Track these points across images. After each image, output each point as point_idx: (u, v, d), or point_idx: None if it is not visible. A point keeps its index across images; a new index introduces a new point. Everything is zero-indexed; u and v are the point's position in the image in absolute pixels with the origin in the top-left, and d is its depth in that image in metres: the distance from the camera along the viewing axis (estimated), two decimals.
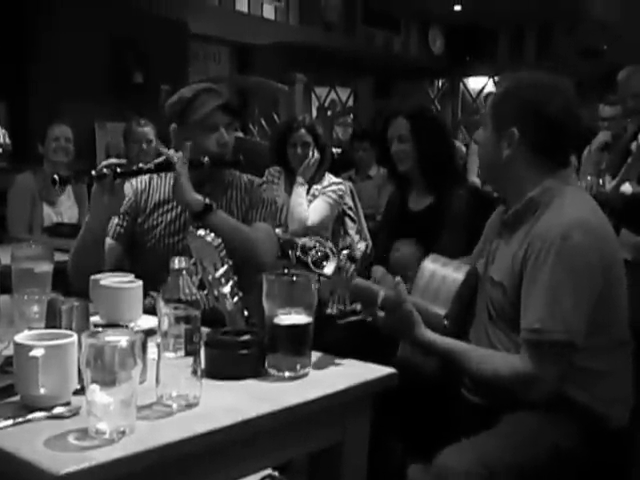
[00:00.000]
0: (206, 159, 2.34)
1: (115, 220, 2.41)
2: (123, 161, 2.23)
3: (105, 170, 2.14)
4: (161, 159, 2.36)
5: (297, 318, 1.58)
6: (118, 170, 2.15)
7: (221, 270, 1.69)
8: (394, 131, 2.98)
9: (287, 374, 1.57)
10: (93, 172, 2.15)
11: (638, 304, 1.87)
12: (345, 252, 1.75)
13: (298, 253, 1.72)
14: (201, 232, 1.71)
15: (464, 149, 6.67)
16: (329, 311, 1.74)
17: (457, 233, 2.74)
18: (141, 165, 2.28)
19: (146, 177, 2.50)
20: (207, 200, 2.27)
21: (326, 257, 1.72)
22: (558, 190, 1.81)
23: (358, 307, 1.77)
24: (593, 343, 1.72)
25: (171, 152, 2.34)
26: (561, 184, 1.83)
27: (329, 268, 1.71)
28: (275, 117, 6.72)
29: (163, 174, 2.49)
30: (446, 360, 1.83)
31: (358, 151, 5.65)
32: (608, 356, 1.77)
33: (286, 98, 6.21)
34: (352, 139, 6.04)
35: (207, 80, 7.22)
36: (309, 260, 1.71)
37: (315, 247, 1.71)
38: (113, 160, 2.21)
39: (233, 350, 1.57)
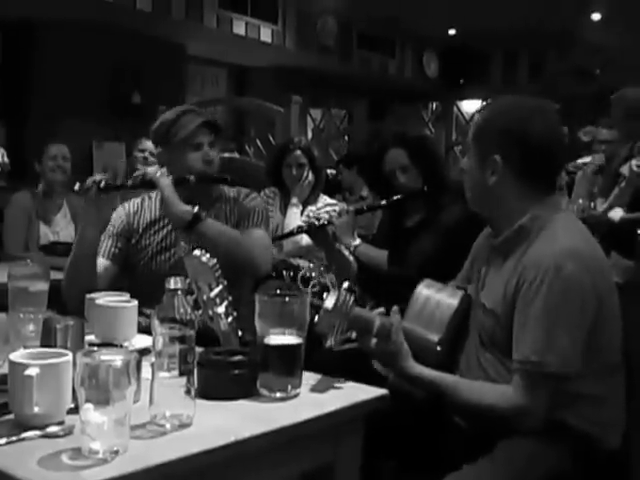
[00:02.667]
0: (191, 176, 2.38)
1: (109, 241, 2.46)
2: (106, 176, 2.30)
3: (89, 184, 2.25)
4: (142, 177, 2.41)
5: (288, 338, 1.58)
6: (102, 185, 2.25)
7: (216, 290, 1.69)
8: (394, 163, 2.93)
9: (278, 394, 1.57)
10: (77, 187, 2.27)
11: (628, 327, 1.87)
12: (345, 285, 1.74)
13: (298, 284, 1.72)
14: (197, 252, 1.72)
15: None
16: (329, 344, 1.73)
17: (436, 240, 2.75)
18: (124, 182, 2.32)
19: (138, 199, 2.55)
20: (196, 209, 2.31)
21: (326, 289, 1.71)
22: (548, 218, 1.79)
23: (353, 335, 1.76)
24: (587, 369, 1.71)
25: (151, 169, 2.38)
26: (550, 212, 1.81)
27: (329, 302, 1.69)
28: (271, 138, 6.74)
29: (153, 195, 2.54)
30: (433, 394, 1.81)
31: (342, 173, 5.70)
32: (601, 381, 1.76)
33: (282, 119, 6.23)
34: (337, 163, 6.09)
35: (204, 102, 7.29)
36: (309, 293, 1.71)
37: (314, 278, 1.72)
38: (97, 176, 2.29)
39: (225, 370, 1.57)
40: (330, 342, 1.72)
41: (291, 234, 3.13)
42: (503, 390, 1.73)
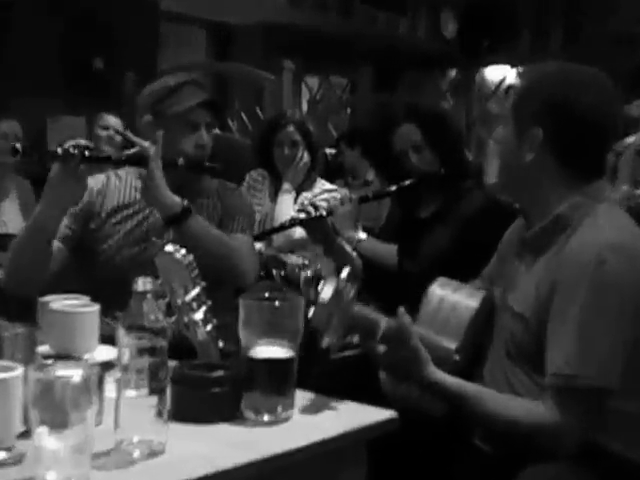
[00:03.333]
0: (181, 160, 2.38)
1: (64, 221, 2.38)
2: (91, 144, 2.22)
3: (73, 150, 2.13)
4: (134, 150, 2.32)
5: (279, 351, 1.58)
6: (86, 153, 2.15)
7: (192, 293, 1.69)
8: (405, 141, 2.94)
9: (266, 417, 1.57)
10: (59, 149, 2.12)
11: None
12: (346, 272, 1.72)
13: (289, 271, 1.71)
14: (169, 248, 1.72)
15: None
16: (325, 344, 1.72)
17: (454, 233, 2.76)
18: (111, 154, 2.27)
19: (103, 177, 2.53)
20: (185, 202, 2.29)
21: (322, 278, 1.70)
22: (590, 207, 1.80)
23: (355, 339, 1.76)
24: (630, 384, 1.71)
25: (146, 143, 2.31)
26: (593, 200, 1.82)
27: (326, 292, 1.69)
28: (259, 111, 6.75)
29: (123, 174, 2.52)
30: (457, 405, 1.81)
31: (344, 154, 5.70)
32: None
33: (272, 89, 6.24)
34: (338, 141, 6.08)
35: (180, 67, 7.27)
36: (301, 280, 1.70)
37: (309, 265, 1.71)
38: (81, 141, 2.18)
39: (203, 389, 1.57)
40: (327, 342, 1.70)
41: (283, 227, 3.13)
42: (530, 406, 1.74)
